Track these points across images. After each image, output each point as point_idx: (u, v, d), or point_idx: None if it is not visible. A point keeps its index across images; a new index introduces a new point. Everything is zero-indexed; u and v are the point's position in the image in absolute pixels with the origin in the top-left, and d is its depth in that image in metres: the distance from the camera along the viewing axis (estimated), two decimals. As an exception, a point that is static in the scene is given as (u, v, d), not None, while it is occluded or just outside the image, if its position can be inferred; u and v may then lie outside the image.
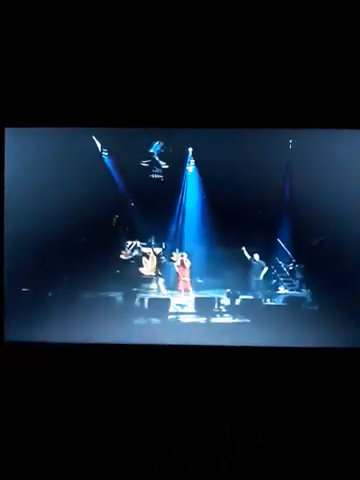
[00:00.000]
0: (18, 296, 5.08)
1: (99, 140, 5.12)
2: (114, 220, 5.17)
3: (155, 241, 5.30)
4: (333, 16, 4.61)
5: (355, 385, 4.57)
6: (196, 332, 5.06)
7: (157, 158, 5.13)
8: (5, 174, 5.05)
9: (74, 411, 4.25)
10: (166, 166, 5.15)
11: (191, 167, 5.17)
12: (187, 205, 5.24)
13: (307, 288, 5.13)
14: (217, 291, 5.23)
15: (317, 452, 3.69)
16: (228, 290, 5.18)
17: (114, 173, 5.15)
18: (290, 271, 5.23)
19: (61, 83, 4.84)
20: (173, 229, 5.24)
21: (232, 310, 5.15)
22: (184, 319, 5.15)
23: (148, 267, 5.34)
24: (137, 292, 5.24)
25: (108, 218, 5.16)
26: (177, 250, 5.28)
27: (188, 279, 5.27)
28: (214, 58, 4.74)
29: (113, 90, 4.83)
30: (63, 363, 4.85)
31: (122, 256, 5.24)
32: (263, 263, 5.25)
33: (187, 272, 5.27)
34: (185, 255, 5.27)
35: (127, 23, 4.66)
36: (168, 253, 5.30)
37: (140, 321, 5.11)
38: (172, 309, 5.18)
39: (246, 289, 5.23)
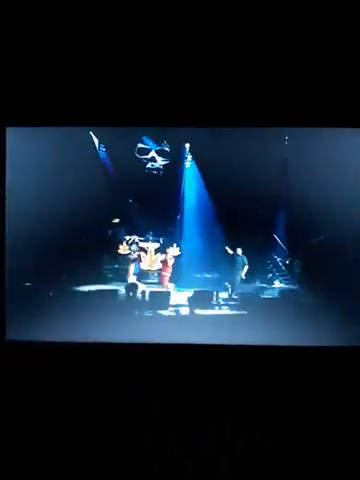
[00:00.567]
0: (19, 295, 5.08)
1: (97, 137, 5.12)
2: (114, 218, 5.16)
3: (153, 236, 5.29)
4: (333, 16, 4.60)
5: (355, 384, 4.56)
6: (194, 324, 5.08)
7: (155, 154, 5.13)
8: (6, 173, 5.05)
9: (74, 411, 4.25)
10: (164, 162, 5.15)
11: (188, 163, 5.17)
12: (185, 200, 5.22)
13: (304, 285, 5.11)
14: (215, 285, 5.26)
15: (317, 452, 3.69)
16: (226, 283, 5.23)
17: (112, 170, 5.14)
18: (287, 267, 5.22)
19: (61, 83, 4.84)
20: (171, 224, 5.23)
21: (230, 304, 5.18)
22: (183, 312, 5.18)
23: (147, 262, 5.35)
24: (136, 287, 5.25)
25: (107, 214, 5.16)
26: (175, 245, 5.28)
27: (168, 275, 5.29)
28: (214, 58, 4.74)
29: (113, 90, 4.83)
30: (64, 362, 4.86)
31: (120, 251, 5.24)
32: (245, 259, 5.24)
33: (169, 269, 5.29)
34: (173, 251, 5.27)
35: (127, 23, 4.66)
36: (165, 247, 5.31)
37: (140, 316, 5.15)
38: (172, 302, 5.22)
39: (240, 284, 5.26)
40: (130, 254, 5.28)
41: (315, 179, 4.93)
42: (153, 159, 5.15)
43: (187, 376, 4.67)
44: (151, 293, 5.25)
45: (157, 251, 5.34)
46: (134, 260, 5.28)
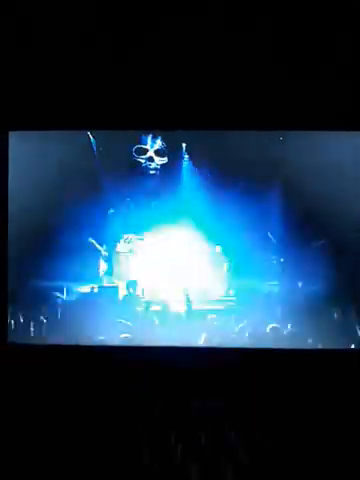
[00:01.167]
0: (21, 297, 5.10)
1: (96, 138, 5.12)
2: (112, 217, 5.20)
3: (150, 234, 5.31)
4: (333, 16, 4.61)
5: (355, 386, 4.56)
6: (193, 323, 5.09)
7: (153, 154, 5.14)
8: (9, 176, 5.08)
9: (75, 411, 4.25)
10: (161, 161, 5.16)
11: (186, 162, 5.17)
12: (181, 199, 5.21)
13: (303, 285, 5.11)
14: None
15: (317, 452, 3.69)
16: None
17: (111, 170, 5.13)
18: (284, 267, 5.21)
19: (63, 86, 4.86)
20: (167, 223, 5.22)
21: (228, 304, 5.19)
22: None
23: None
24: (135, 284, 5.27)
25: (107, 214, 5.17)
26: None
27: None
28: (214, 58, 4.74)
29: (113, 90, 4.84)
30: (65, 364, 4.87)
31: (118, 249, 5.25)
32: (224, 258, 5.25)
33: None
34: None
35: (127, 23, 4.67)
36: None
37: (140, 315, 5.16)
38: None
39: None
40: (128, 252, 5.29)
41: (315, 179, 4.93)
42: (151, 159, 5.15)
43: (187, 376, 4.67)
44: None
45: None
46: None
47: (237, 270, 5.21)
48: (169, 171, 5.18)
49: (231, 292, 5.23)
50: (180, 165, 5.20)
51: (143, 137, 5.15)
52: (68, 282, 5.16)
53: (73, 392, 4.55)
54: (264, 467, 3.52)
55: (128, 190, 5.16)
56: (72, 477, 3.45)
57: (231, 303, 5.19)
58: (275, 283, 5.16)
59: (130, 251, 5.31)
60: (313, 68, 4.76)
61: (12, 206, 5.08)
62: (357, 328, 4.94)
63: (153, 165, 5.18)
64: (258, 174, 4.97)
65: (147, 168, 5.19)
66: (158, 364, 4.79)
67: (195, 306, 5.19)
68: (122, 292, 5.24)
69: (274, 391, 4.54)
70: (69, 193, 5.05)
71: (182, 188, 5.19)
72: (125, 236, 5.28)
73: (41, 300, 5.13)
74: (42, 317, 5.09)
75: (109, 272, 5.29)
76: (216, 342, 4.97)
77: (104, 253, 5.24)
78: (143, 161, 5.18)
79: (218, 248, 5.26)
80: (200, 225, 5.20)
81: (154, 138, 5.15)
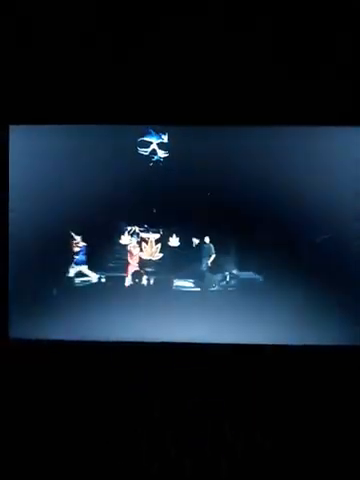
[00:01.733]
0: (23, 293, 5.08)
1: (98, 132, 5.11)
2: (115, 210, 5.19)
3: (153, 226, 5.30)
4: (333, 16, 4.61)
5: (356, 384, 4.56)
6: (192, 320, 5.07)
7: (156, 147, 5.14)
8: (10, 171, 5.05)
9: (75, 410, 4.25)
10: (165, 155, 5.17)
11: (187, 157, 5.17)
12: (183, 192, 5.20)
13: (304, 283, 5.10)
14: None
15: (317, 452, 3.69)
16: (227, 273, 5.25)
17: (114, 164, 5.13)
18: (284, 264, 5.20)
19: (63, 81, 4.86)
20: (170, 215, 5.22)
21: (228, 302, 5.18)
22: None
23: (147, 252, 5.35)
24: (139, 275, 5.27)
25: (109, 207, 5.14)
26: (174, 235, 5.29)
27: (136, 265, 5.31)
28: (214, 58, 4.74)
29: (113, 89, 4.84)
30: (66, 361, 4.86)
31: (121, 241, 5.26)
32: (212, 249, 5.25)
33: (136, 259, 5.31)
34: (172, 241, 5.29)
35: (127, 23, 4.67)
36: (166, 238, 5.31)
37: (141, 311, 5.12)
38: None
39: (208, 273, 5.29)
40: (131, 244, 5.29)
41: (315, 178, 4.94)
42: (154, 152, 5.16)
43: (187, 375, 4.67)
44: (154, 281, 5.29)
45: (158, 241, 5.34)
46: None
47: (234, 264, 5.23)
48: (171, 164, 5.16)
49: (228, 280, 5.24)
50: (183, 159, 5.17)
51: (146, 131, 5.13)
52: (70, 277, 5.17)
53: (74, 390, 4.55)
54: (262, 464, 3.52)
55: (131, 183, 5.13)
56: (72, 477, 3.46)
57: (230, 296, 5.20)
58: (272, 278, 5.16)
59: (134, 243, 5.30)
60: (313, 68, 4.75)
61: (13, 201, 5.06)
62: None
63: (155, 158, 5.18)
64: (258, 171, 4.97)
65: (149, 162, 5.16)
66: (158, 363, 4.80)
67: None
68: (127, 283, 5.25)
69: (274, 391, 4.53)
70: (70, 187, 5.05)
71: (183, 181, 5.16)
72: (129, 228, 5.28)
73: (42, 295, 5.10)
74: (43, 313, 5.06)
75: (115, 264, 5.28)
76: (215, 338, 4.96)
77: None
78: (146, 154, 5.16)
79: (207, 238, 5.24)
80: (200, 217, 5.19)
81: (158, 133, 5.15)
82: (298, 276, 5.12)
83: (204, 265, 5.29)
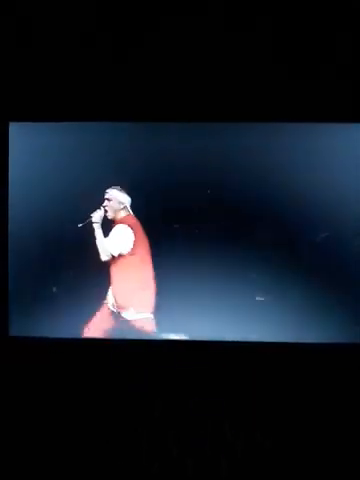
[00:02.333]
0: (22, 290, 5.06)
1: (99, 130, 5.10)
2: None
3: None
4: (333, 16, 4.61)
5: (356, 383, 4.56)
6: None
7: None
8: (9, 169, 5.03)
9: (75, 409, 4.25)
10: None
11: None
12: (183, 189, 5.19)
13: (304, 281, 5.10)
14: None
15: (318, 452, 3.69)
16: None
17: (114, 163, 5.12)
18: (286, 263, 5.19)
19: (63, 78, 4.86)
20: (170, 212, 5.17)
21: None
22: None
23: None
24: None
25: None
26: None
27: None
28: (214, 58, 4.74)
29: (114, 88, 4.85)
30: (66, 359, 4.86)
31: None
32: None
33: None
34: None
35: (127, 23, 4.67)
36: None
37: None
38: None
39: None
40: None
41: (315, 175, 4.93)
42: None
43: (187, 375, 4.67)
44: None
45: None
46: None
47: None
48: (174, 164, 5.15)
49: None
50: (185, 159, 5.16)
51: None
52: (69, 275, 5.11)
53: (74, 389, 4.55)
54: (264, 467, 3.53)
55: (131, 182, 5.13)
56: (72, 476, 3.46)
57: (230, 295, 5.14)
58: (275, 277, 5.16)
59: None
60: (313, 68, 4.76)
61: (13, 198, 5.02)
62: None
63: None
64: (259, 169, 4.97)
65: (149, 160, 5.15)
66: (158, 362, 4.80)
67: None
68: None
69: (275, 390, 4.54)
70: (71, 186, 5.02)
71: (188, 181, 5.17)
72: None
73: (42, 293, 5.08)
74: (43, 311, 5.04)
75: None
76: (216, 336, 4.96)
77: None
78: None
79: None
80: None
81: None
82: (298, 275, 5.13)
83: None
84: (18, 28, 4.71)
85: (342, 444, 3.78)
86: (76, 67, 4.82)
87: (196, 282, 5.17)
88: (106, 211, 5.04)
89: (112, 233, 5.08)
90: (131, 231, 5.06)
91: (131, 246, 5.07)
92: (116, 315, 5.05)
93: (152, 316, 5.04)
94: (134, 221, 5.09)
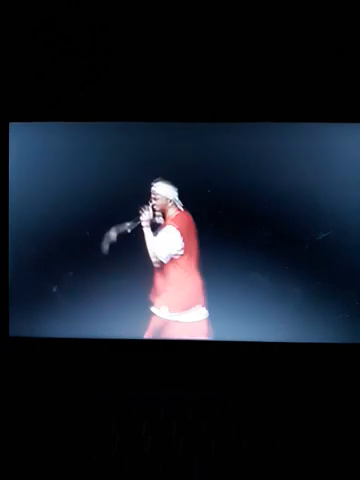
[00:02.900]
0: (22, 291, 5.05)
1: (99, 130, 5.10)
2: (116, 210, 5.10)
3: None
4: (333, 16, 4.61)
5: (357, 383, 4.59)
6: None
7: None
8: (9, 169, 5.00)
9: (75, 410, 4.26)
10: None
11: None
12: (183, 189, 5.19)
13: (306, 280, 5.11)
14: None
15: (318, 452, 3.71)
16: None
17: (114, 163, 5.12)
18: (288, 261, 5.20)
19: (64, 78, 4.83)
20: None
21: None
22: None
23: None
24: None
25: (111, 207, 5.14)
26: None
27: None
28: (214, 58, 4.75)
29: (114, 88, 4.84)
30: (66, 360, 4.88)
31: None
32: None
33: None
34: None
35: (127, 23, 4.66)
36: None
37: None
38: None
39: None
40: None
41: (316, 174, 4.93)
42: None
43: (188, 374, 4.69)
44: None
45: None
46: None
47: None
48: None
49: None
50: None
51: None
52: (70, 274, 5.11)
53: (74, 388, 4.58)
54: (267, 467, 3.54)
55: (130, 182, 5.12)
56: (72, 476, 3.46)
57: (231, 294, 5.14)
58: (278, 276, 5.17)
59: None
60: (313, 68, 4.77)
61: (13, 198, 5.00)
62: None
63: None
64: (259, 167, 4.97)
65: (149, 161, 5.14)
66: (159, 362, 4.81)
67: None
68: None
69: (277, 389, 4.56)
70: (71, 186, 5.01)
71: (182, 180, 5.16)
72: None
73: (43, 293, 5.07)
74: (43, 310, 5.04)
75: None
76: (217, 336, 4.97)
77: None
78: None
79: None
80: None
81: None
82: (298, 274, 5.15)
83: None
84: (18, 28, 4.69)
85: (342, 444, 3.80)
86: (76, 67, 4.81)
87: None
88: (154, 210, 4.78)
89: (159, 236, 4.81)
90: (179, 234, 4.78)
91: (179, 249, 4.79)
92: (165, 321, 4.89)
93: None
94: (185, 217, 4.80)
